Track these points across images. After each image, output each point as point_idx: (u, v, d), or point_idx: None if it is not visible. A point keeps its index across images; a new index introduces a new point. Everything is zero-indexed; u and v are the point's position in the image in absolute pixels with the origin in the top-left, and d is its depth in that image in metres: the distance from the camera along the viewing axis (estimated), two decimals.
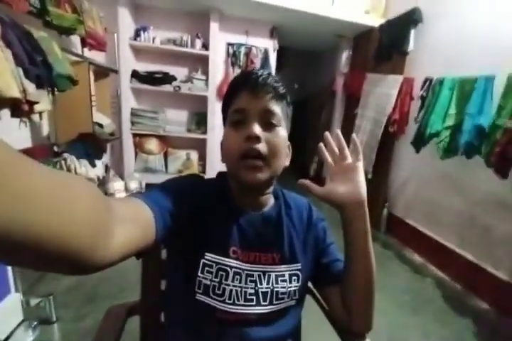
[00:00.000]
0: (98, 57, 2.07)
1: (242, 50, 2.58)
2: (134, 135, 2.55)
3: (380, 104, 2.25)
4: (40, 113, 1.28)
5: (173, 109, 2.70)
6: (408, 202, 2.19)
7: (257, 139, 0.45)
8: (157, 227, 0.38)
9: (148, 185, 2.45)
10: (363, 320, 0.52)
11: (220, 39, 2.53)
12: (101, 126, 2.20)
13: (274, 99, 0.48)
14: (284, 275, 0.50)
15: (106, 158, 2.34)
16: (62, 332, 1.14)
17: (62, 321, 1.18)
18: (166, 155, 2.69)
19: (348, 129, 2.68)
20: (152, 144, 2.59)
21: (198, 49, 2.46)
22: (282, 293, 0.49)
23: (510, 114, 1.35)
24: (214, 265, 0.46)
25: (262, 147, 0.46)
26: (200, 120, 2.70)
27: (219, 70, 2.61)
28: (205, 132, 2.65)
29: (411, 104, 2.06)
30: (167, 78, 2.43)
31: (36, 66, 1.13)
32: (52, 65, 1.23)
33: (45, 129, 1.73)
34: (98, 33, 1.81)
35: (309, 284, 0.57)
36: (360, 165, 0.49)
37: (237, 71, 2.60)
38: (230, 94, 0.50)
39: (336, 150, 0.52)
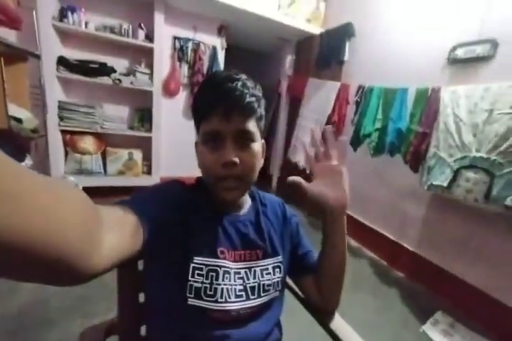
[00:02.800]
0: (10, 36, 1.72)
1: (190, 45, 2.48)
2: (64, 132, 2.22)
3: (321, 106, 2.47)
4: None
5: (112, 104, 2.43)
6: None
7: (234, 164, 0.46)
8: (144, 233, 0.38)
9: (85, 189, 2.16)
10: (335, 300, 0.61)
11: (165, 32, 2.38)
12: (19, 120, 1.88)
13: (249, 118, 0.47)
14: (268, 269, 0.54)
15: (28, 159, 1.98)
16: None
17: None
18: (104, 155, 2.42)
19: (293, 130, 2.86)
20: (87, 143, 2.29)
21: (141, 40, 2.26)
22: (268, 285, 0.53)
23: (419, 120, 1.66)
24: (204, 267, 0.47)
25: (238, 170, 0.47)
26: (143, 116, 2.50)
27: (165, 65, 2.45)
28: (149, 130, 2.48)
29: (347, 108, 2.31)
30: (105, 69, 2.17)
31: None
32: None
33: None
34: (7, 5, 1.45)
35: None
36: (345, 170, 0.53)
37: (185, 67, 2.49)
38: (200, 110, 0.48)
39: (321, 147, 0.55)
